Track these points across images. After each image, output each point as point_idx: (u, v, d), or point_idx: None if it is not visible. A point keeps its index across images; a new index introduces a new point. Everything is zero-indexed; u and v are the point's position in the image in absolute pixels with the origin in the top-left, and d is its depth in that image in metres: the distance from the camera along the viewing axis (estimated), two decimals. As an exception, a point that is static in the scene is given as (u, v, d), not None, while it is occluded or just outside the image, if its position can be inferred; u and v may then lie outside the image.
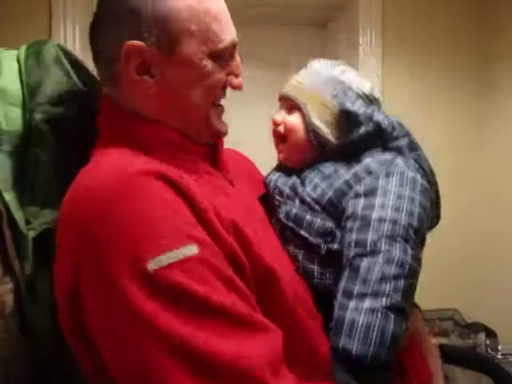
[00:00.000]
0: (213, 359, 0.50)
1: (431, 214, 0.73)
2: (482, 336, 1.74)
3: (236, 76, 0.70)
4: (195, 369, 0.49)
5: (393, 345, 0.60)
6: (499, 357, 1.69)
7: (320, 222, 0.71)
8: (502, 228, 1.90)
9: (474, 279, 1.93)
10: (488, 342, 1.72)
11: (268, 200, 0.80)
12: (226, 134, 0.73)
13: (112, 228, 0.54)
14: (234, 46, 0.68)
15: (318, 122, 0.76)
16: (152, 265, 0.52)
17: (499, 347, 1.73)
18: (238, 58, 0.70)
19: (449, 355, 1.09)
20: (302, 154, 0.78)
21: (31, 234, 0.69)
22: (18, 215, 0.68)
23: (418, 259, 0.66)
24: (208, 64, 0.65)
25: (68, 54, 0.77)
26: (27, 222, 0.69)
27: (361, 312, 0.61)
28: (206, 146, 0.72)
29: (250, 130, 1.53)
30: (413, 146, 0.76)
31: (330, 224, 0.70)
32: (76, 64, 0.77)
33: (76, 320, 0.57)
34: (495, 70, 1.95)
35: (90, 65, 0.80)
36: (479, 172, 1.94)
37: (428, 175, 0.74)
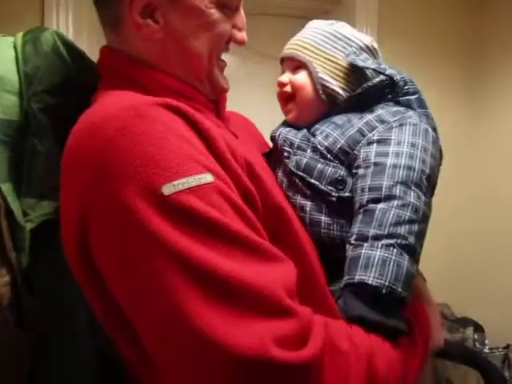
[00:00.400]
0: (229, 281, 0.49)
1: (439, 166, 0.74)
2: (470, 330, 1.77)
3: (239, 30, 0.69)
4: (211, 290, 0.49)
5: (407, 281, 0.60)
6: (486, 351, 1.72)
7: (331, 169, 0.70)
8: (491, 225, 1.92)
9: (464, 275, 1.95)
10: (476, 337, 1.76)
11: (274, 156, 0.80)
12: (227, 89, 0.72)
13: (124, 155, 0.52)
14: None
15: (325, 76, 0.76)
16: (167, 189, 0.50)
17: (486, 341, 1.77)
18: (242, 11, 0.69)
19: (440, 350, 1.10)
20: (312, 110, 0.78)
21: (28, 226, 0.67)
22: (15, 206, 0.67)
23: (429, 205, 0.67)
24: (214, 12, 0.64)
25: (66, 42, 0.75)
26: (24, 214, 0.68)
27: (377, 248, 0.61)
28: (209, 98, 0.71)
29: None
30: (422, 103, 0.76)
31: (341, 172, 0.70)
32: (74, 52, 0.75)
33: (85, 257, 0.56)
34: (485, 71, 1.97)
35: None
36: (467, 170, 1.96)
37: (435, 130, 0.75)
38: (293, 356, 0.48)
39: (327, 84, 0.76)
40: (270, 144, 0.86)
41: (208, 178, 0.53)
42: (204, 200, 0.51)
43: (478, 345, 1.75)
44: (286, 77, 0.80)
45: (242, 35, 0.69)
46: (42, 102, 0.71)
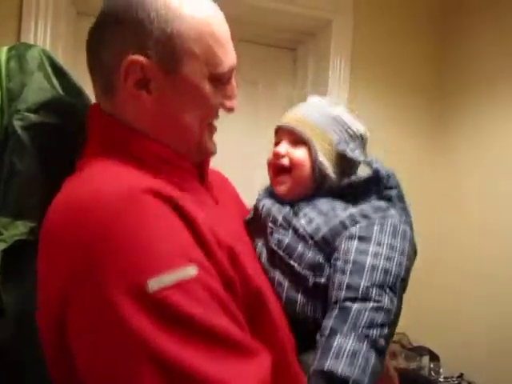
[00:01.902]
0: (202, 381, 0.49)
1: (412, 264, 0.77)
2: (426, 359, 1.81)
3: (230, 98, 0.70)
4: None
5: (373, 377, 0.63)
6: (441, 380, 1.77)
7: (311, 254, 0.72)
8: (449, 256, 2.00)
9: (422, 305, 2.01)
10: (431, 366, 1.80)
11: (255, 224, 0.81)
12: (214, 153, 0.73)
13: (110, 248, 0.52)
14: (232, 70, 0.69)
15: (323, 158, 0.78)
16: (151, 285, 0.51)
17: (441, 370, 1.82)
18: (234, 81, 0.71)
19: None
20: (305, 188, 0.79)
21: (1, 246, 0.66)
22: (-13, 225, 0.66)
23: (400, 306, 0.71)
24: (206, 86, 0.65)
25: (53, 61, 0.75)
26: (-2, 233, 0.66)
27: (348, 340, 0.63)
28: (194, 164, 0.72)
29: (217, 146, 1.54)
30: (401, 198, 0.80)
31: (320, 258, 0.72)
32: (61, 72, 0.75)
33: (60, 338, 0.55)
34: (447, 110, 2.07)
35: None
36: (426, 204, 2.04)
37: (411, 227, 0.78)
38: None
39: (323, 167, 0.78)
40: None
41: (192, 271, 0.54)
42: (187, 296, 0.52)
43: (433, 373, 1.80)
44: (284, 148, 0.80)
45: (231, 104, 0.71)
46: (25, 120, 0.70)
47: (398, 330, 2.00)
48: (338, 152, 0.79)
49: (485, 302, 1.79)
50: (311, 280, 0.71)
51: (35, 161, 0.70)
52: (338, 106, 0.84)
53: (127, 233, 0.53)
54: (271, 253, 0.75)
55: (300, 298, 0.72)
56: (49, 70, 0.74)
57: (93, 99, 0.79)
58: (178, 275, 0.52)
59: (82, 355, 0.53)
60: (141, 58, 0.62)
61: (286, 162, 0.80)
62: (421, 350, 1.83)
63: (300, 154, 0.79)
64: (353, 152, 0.79)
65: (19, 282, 0.67)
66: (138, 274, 0.51)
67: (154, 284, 0.51)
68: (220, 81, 0.67)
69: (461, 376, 1.78)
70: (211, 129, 0.71)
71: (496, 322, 1.74)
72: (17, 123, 0.69)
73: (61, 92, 0.74)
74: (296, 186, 0.79)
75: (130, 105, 0.65)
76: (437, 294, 2.00)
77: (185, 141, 0.68)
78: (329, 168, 0.78)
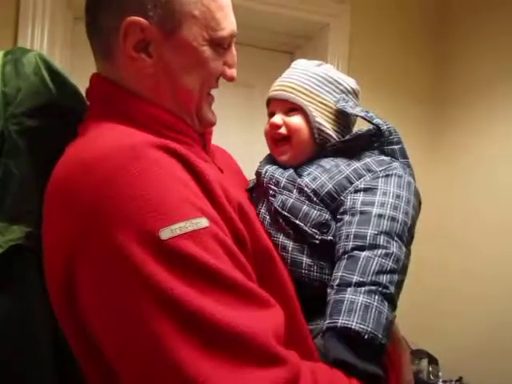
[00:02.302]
0: (223, 330, 0.49)
1: (418, 216, 0.77)
2: (424, 363, 1.81)
3: (230, 67, 0.70)
4: (204, 338, 0.49)
5: (386, 328, 0.62)
6: (440, 383, 1.76)
7: (316, 212, 0.72)
8: (449, 258, 1.99)
9: (420, 307, 2.00)
10: (430, 369, 1.80)
11: (257, 191, 0.81)
12: (215, 123, 0.73)
13: (120, 197, 0.51)
14: (232, 36, 0.68)
15: (321, 120, 0.78)
16: (164, 233, 0.50)
17: (440, 374, 1.81)
18: (234, 49, 0.70)
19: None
20: (307, 152, 0.79)
21: (-4, 252, 0.65)
22: (-17, 230, 0.65)
23: (409, 256, 0.71)
24: (206, 50, 0.65)
25: (49, 65, 0.74)
26: (-8, 238, 0.65)
27: (360, 294, 0.63)
28: (197, 132, 0.72)
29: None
30: (404, 154, 0.80)
31: (326, 215, 0.72)
32: (57, 76, 0.75)
33: (71, 303, 0.54)
34: (444, 113, 2.07)
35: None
36: (426, 205, 2.04)
37: (415, 180, 0.78)
38: None
39: (323, 128, 0.78)
40: (249, 178, 0.88)
41: (204, 222, 0.53)
42: (200, 245, 0.51)
43: (432, 377, 1.80)
44: (279, 118, 0.80)
45: (231, 72, 0.71)
46: (21, 125, 0.69)
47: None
48: (337, 110, 0.79)
49: (484, 305, 1.79)
50: (318, 237, 0.71)
51: (31, 165, 0.69)
52: (324, 64, 0.84)
53: (135, 183, 0.52)
54: (275, 215, 0.74)
55: (305, 259, 0.71)
56: (45, 74, 0.74)
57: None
58: (189, 225, 0.52)
59: (96, 312, 0.52)
60: (141, 19, 0.61)
61: (283, 131, 0.80)
62: (419, 354, 1.83)
63: (296, 120, 0.79)
64: (353, 108, 0.78)
65: (15, 287, 0.66)
66: (149, 223, 0.50)
67: (166, 232, 0.50)
68: (220, 45, 0.67)
69: (460, 380, 1.78)
70: (210, 99, 0.71)
71: (496, 324, 1.73)
72: (12, 128, 0.69)
73: (57, 96, 0.74)
74: (298, 152, 0.79)
75: (129, 68, 0.64)
76: (435, 297, 1.99)
77: (186, 105, 0.68)
78: (328, 128, 0.78)
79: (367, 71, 1.96)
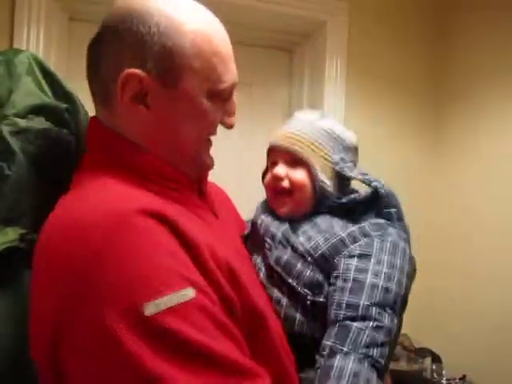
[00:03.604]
0: None
1: (411, 282, 0.77)
2: (428, 361, 1.79)
3: (229, 115, 0.70)
4: None
5: None
6: (443, 382, 1.75)
7: (310, 273, 0.71)
8: (453, 255, 1.98)
9: (424, 306, 1.99)
10: (434, 367, 1.79)
11: (253, 239, 0.80)
12: (211, 168, 0.73)
13: (106, 271, 0.51)
14: (233, 87, 0.68)
15: (323, 177, 0.77)
16: (148, 310, 0.50)
17: (443, 372, 1.80)
18: (234, 98, 0.70)
19: (399, 381, 1.12)
20: (306, 208, 0.78)
21: (-10, 254, 0.64)
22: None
23: (400, 328, 0.71)
24: (205, 102, 0.65)
25: (42, 66, 0.74)
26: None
27: (349, 362, 0.62)
28: (193, 179, 0.71)
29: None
30: (400, 216, 0.79)
31: (319, 276, 0.71)
32: (50, 76, 0.74)
33: (54, 367, 0.54)
34: (446, 114, 2.06)
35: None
36: (428, 204, 2.03)
37: (409, 244, 0.78)
38: None
39: (325, 186, 0.77)
40: (246, 222, 0.87)
41: (190, 293, 0.53)
42: (185, 320, 0.51)
43: (435, 375, 1.78)
44: (283, 170, 0.79)
45: (231, 120, 0.70)
46: (14, 125, 0.69)
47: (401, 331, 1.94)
48: (336, 171, 0.78)
49: (488, 303, 1.78)
50: (310, 298, 0.71)
51: (25, 166, 0.68)
52: (327, 118, 0.83)
53: (122, 256, 0.52)
54: (270, 269, 0.74)
55: (298, 316, 0.71)
56: (38, 74, 0.73)
57: (84, 104, 0.78)
58: (175, 298, 0.51)
59: (77, 380, 0.52)
60: (138, 71, 0.61)
61: (286, 184, 0.78)
62: (423, 352, 1.81)
63: (300, 175, 0.78)
64: (351, 171, 0.78)
65: (10, 290, 0.66)
66: (134, 299, 0.50)
67: (151, 308, 0.50)
68: (220, 97, 0.66)
69: (463, 378, 1.76)
70: (208, 144, 0.71)
71: (499, 323, 1.72)
72: (5, 128, 0.68)
73: (51, 96, 0.73)
74: (297, 207, 0.78)
75: (127, 118, 0.64)
76: (439, 295, 1.98)
77: (182, 155, 0.67)
78: (329, 186, 0.77)
79: (366, 69, 1.95)
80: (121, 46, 0.62)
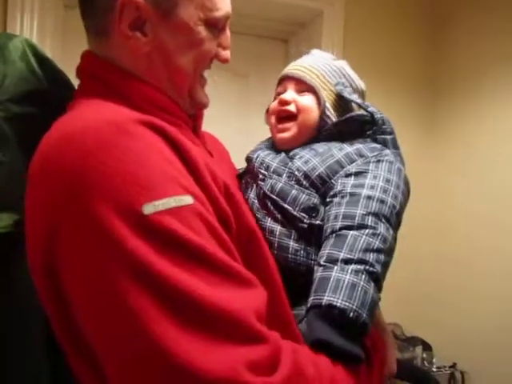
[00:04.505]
0: (203, 306, 0.48)
1: (406, 203, 0.77)
2: (419, 349, 1.82)
3: (224, 48, 0.70)
4: (183, 314, 0.48)
5: (371, 309, 0.62)
6: (434, 369, 1.77)
7: (305, 196, 0.72)
8: (444, 246, 2.00)
9: (415, 296, 2.01)
10: (424, 356, 1.81)
11: (247, 176, 0.81)
12: (207, 105, 0.73)
13: (104, 170, 0.50)
14: (227, 17, 0.68)
15: (330, 107, 0.79)
16: (147, 208, 0.49)
17: (434, 360, 1.82)
18: (228, 31, 0.70)
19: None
20: (308, 135, 0.79)
21: (-15, 240, 0.65)
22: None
23: (395, 239, 0.71)
24: (202, 31, 0.65)
25: (36, 51, 0.73)
26: (-20, 226, 0.65)
27: (347, 272, 0.62)
28: (188, 114, 0.71)
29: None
30: (396, 144, 0.80)
31: (314, 200, 0.72)
32: (45, 62, 0.73)
33: (51, 274, 0.53)
34: (441, 102, 2.06)
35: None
36: (420, 196, 2.04)
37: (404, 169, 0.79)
38: (265, 381, 0.48)
39: (329, 114, 0.79)
40: (238, 165, 0.87)
41: (188, 200, 0.52)
42: (183, 222, 0.51)
43: (426, 363, 1.81)
44: (291, 95, 0.80)
45: (226, 54, 0.70)
46: (7, 111, 0.68)
47: (391, 320, 2.00)
48: (336, 93, 0.80)
49: (479, 293, 1.80)
50: (306, 221, 0.71)
51: (19, 152, 0.68)
52: (340, 60, 0.86)
53: (119, 158, 0.51)
54: (263, 199, 0.74)
55: (292, 243, 0.71)
56: (32, 59, 0.72)
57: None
58: (174, 201, 0.51)
59: (75, 287, 0.52)
60: None
61: (292, 108, 0.80)
62: (414, 341, 1.84)
63: (307, 100, 0.80)
64: (350, 95, 0.79)
65: (4, 275, 0.66)
66: (132, 198, 0.49)
67: (149, 208, 0.49)
68: (215, 27, 0.67)
69: (454, 366, 1.79)
70: (202, 81, 0.71)
71: (489, 311, 1.75)
72: (-1, 114, 0.68)
73: (45, 82, 0.73)
74: (300, 132, 0.79)
75: (124, 47, 0.64)
76: (429, 284, 2.00)
77: (179, 86, 0.67)
78: (333, 115, 0.79)
79: (362, 58, 1.95)
80: None
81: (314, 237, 0.71)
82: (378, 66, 1.98)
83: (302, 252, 0.71)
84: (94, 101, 0.61)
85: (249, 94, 2.02)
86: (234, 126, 1.97)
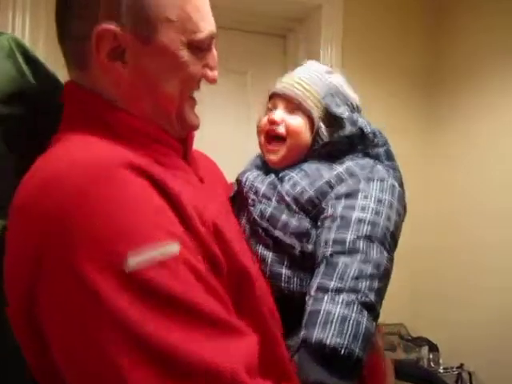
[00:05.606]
0: (187, 361, 0.46)
1: (402, 222, 0.74)
2: (425, 350, 1.79)
3: (211, 69, 0.67)
4: (168, 372, 0.46)
5: (365, 341, 0.59)
6: (441, 370, 1.74)
7: (296, 222, 0.69)
8: (447, 243, 1.97)
9: (420, 295, 1.98)
10: (431, 356, 1.78)
11: (238, 200, 0.77)
12: (197, 127, 0.69)
13: (85, 221, 0.48)
14: (212, 37, 0.65)
15: (322, 125, 0.75)
16: (130, 262, 0.47)
17: (440, 361, 1.79)
18: (214, 50, 0.67)
19: (396, 370, 1.10)
20: (299, 155, 0.76)
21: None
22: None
23: (391, 262, 0.67)
24: (185, 55, 0.62)
25: (24, 49, 0.70)
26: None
27: (337, 304, 0.60)
28: (178, 139, 0.68)
29: (208, 137, 1.49)
30: (390, 156, 0.77)
31: (306, 224, 0.69)
32: (32, 60, 0.70)
33: (31, 322, 0.51)
34: (441, 98, 2.04)
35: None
36: (422, 191, 2.01)
37: (402, 184, 0.76)
38: None
39: (322, 134, 0.75)
40: (232, 184, 0.84)
41: (174, 248, 0.50)
42: (169, 273, 0.49)
43: (432, 364, 1.78)
44: (280, 116, 0.76)
45: (213, 74, 0.67)
46: (-7, 112, 0.65)
47: (396, 320, 1.96)
48: (326, 111, 0.76)
49: (485, 292, 1.77)
50: (298, 248, 0.68)
51: (6, 154, 0.65)
52: (336, 74, 0.81)
53: (103, 205, 0.49)
54: (254, 226, 0.72)
55: (285, 271, 0.68)
56: (19, 58, 0.69)
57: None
58: (159, 251, 0.48)
59: (55, 339, 0.49)
60: (113, 27, 0.58)
61: (281, 130, 0.76)
62: (419, 341, 1.81)
63: (297, 122, 0.76)
64: (338, 108, 0.75)
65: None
66: (116, 250, 0.47)
67: (133, 260, 0.47)
68: (199, 48, 0.64)
69: (461, 366, 1.76)
70: (192, 102, 0.68)
71: (496, 311, 1.72)
72: (-16, 116, 0.64)
73: (33, 81, 0.69)
74: (290, 155, 0.76)
75: (105, 77, 0.61)
76: (435, 285, 1.98)
77: (165, 113, 0.64)
78: (326, 135, 0.75)
79: (361, 53, 1.92)
80: (93, 1, 0.59)
81: (306, 263, 0.68)
82: (378, 60, 1.95)
83: (295, 279, 0.68)
84: (79, 136, 0.59)
85: (247, 91, 1.99)
86: (233, 123, 1.94)
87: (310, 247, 0.68)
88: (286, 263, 0.69)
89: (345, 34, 1.88)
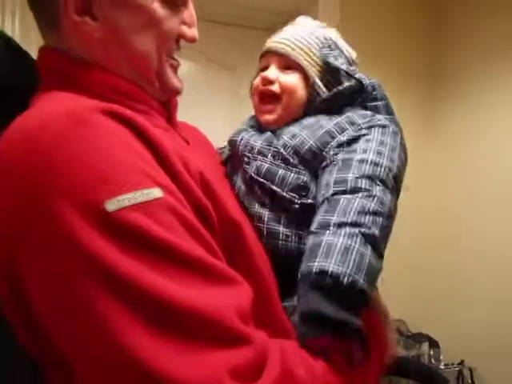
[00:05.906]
0: (176, 308, 0.44)
1: (404, 169, 0.71)
2: (425, 346, 1.78)
3: (189, 26, 0.64)
4: (155, 318, 0.44)
5: (369, 274, 0.55)
6: (441, 367, 1.73)
7: (293, 175, 0.66)
8: (448, 239, 1.96)
9: (419, 290, 1.97)
10: (431, 353, 1.77)
11: (232, 163, 0.75)
12: (181, 91, 0.67)
13: (61, 167, 0.46)
14: None
15: (318, 81, 0.72)
16: (110, 205, 0.45)
17: (441, 357, 1.78)
18: (191, 7, 0.64)
19: (396, 367, 1.08)
20: (295, 113, 0.73)
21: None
22: None
23: (395, 205, 0.65)
24: (158, 8, 0.59)
25: (7, 40, 0.67)
26: None
27: (339, 236, 0.56)
28: (160, 102, 0.65)
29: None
30: (389, 109, 0.75)
31: (304, 178, 0.66)
32: (15, 51, 0.68)
33: (11, 282, 0.49)
34: (440, 97, 2.02)
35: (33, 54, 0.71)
36: (422, 186, 1.99)
37: (402, 136, 0.73)
38: None
39: (317, 89, 0.72)
40: (219, 151, 0.82)
41: (157, 193, 0.47)
42: (152, 217, 0.46)
43: (433, 361, 1.76)
44: (274, 73, 0.73)
45: (192, 32, 0.64)
46: (-24, 106, 0.63)
47: (396, 316, 1.94)
48: (323, 63, 0.73)
49: (485, 287, 1.76)
50: (297, 201, 0.65)
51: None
52: (330, 28, 0.78)
53: (78, 152, 0.46)
54: (250, 184, 0.69)
55: (282, 229, 0.66)
56: (2, 48, 0.67)
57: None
58: (140, 195, 0.46)
59: (38, 294, 0.47)
60: None
61: (275, 88, 0.73)
62: (420, 337, 1.80)
63: (292, 79, 0.73)
64: (336, 60, 0.72)
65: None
66: (94, 194, 0.45)
67: (113, 204, 0.45)
68: (174, 3, 0.61)
69: (461, 363, 1.74)
70: (173, 63, 0.65)
71: (497, 307, 1.71)
72: (-33, 109, 0.62)
73: (16, 72, 0.67)
74: (285, 114, 0.73)
75: (76, 35, 0.58)
76: (436, 280, 1.96)
77: (143, 70, 0.61)
78: (323, 92, 0.72)
79: (358, 46, 1.89)
80: None
81: (306, 218, 0.65)
82: (375, 54, 1.93)
83: (293, 237, 0.66)
84: (53, 94, 0.56)
85: (238, 87, 1.96)
86: (224, 119, 1.92)
87: (309, 201, 0.65)
88: (283, 221, 0.66)
89: (341, 27, 1.86)
